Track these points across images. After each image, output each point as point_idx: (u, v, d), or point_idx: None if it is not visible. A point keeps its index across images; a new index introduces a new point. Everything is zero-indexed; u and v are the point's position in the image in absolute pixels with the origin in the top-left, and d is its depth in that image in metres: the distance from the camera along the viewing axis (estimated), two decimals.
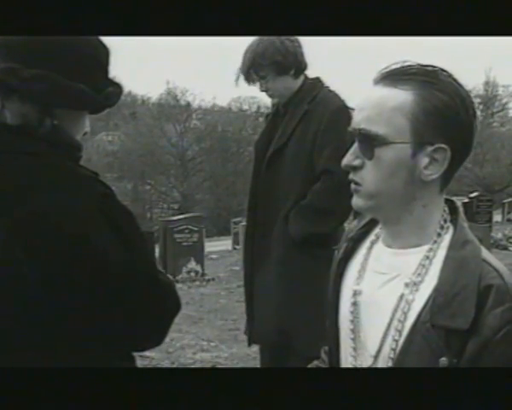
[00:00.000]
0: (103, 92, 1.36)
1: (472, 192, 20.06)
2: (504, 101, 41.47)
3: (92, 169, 1.37)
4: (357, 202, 1.35)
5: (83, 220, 1.26)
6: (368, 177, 1.30)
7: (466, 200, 18.26)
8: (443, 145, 1.28)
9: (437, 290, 1.26)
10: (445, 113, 1.27)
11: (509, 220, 22.24)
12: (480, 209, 17.99)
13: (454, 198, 1.41)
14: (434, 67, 1.32)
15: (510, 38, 1.52)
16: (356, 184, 1.33)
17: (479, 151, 36.09)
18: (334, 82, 3.19)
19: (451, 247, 1.30)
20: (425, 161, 1.28)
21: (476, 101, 41.22)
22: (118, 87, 1.41)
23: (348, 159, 1.32)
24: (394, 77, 1.30)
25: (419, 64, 1.32)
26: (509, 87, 40.25)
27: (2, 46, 1.32)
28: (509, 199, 25.31)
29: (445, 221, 1.33)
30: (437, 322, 1.24)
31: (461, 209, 1.37)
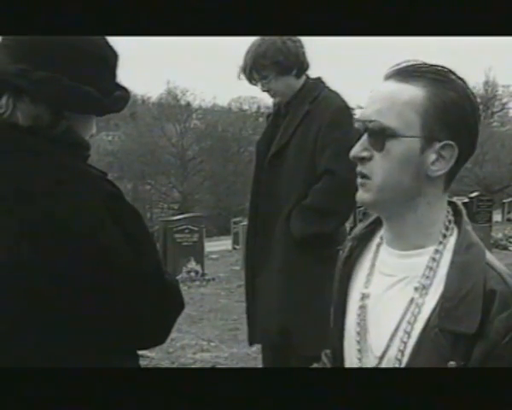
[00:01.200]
0: (111, 96, 1.37)
1: (472, 192, 20.05)
2: (504, 101, 41.52)
3: (99, 169, 1.38)
4: (362, 196, 1.34)
5: (91, 219, 1.26)
6: (376, 169, 1.31)
7: (466, 200, 18.25)
8: (451, 142, 1.29)
9: (443, 296, 1.27)
10: (455, 111, 1.29)
11: (508, 220, 22.24)
12: (480, 209, 17.97)
13: (455, 199, 1.41)
14: (444, 67, 1.33)
15: (510, 38, 1.52)
16: (363, 177, 1.33)
17: (479, 151, 36.03)
18: (335, 82, 3.19)
19: (456, 251, 1.30)
20: (432, 157, 1.30)
21: None
22: (125, 92, 1.42)
23: (356, 150, 1.33)
24: (406, 73, 1.32)
25: (429, 63, 1.34)
26: (508, 87, 40.32)
27: (12, 47, 1.32)
28: (509, 199, 25.32)
29: (450, 222, 1.34)
30: (444, 327, 1.25)
31: (464, 212, 1.37)
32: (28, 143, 1.31)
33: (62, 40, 1.32)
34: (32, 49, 1.31)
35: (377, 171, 1.31)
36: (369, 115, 1.31)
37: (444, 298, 1.26)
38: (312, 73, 3.15)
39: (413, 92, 1.29)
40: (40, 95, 1.30)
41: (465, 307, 1.24)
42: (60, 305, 1.26)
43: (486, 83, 40.33)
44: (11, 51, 1.32)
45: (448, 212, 1.35)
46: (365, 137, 1.32)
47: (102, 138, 39.84)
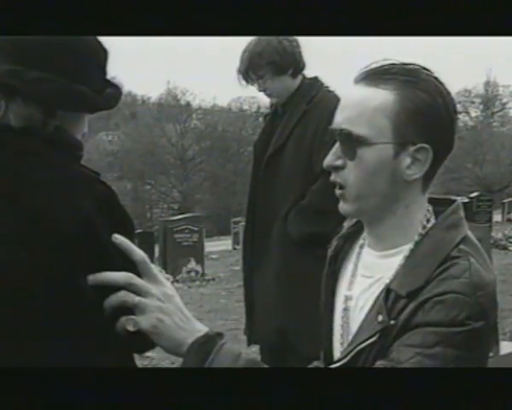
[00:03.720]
0: (103, 93, 1.36)
1: (472, 192, 20.05)
2: (504, 101, 41.49)
3: (92, 169, 1.37)
4: (343, 207, 1.34)
5: (82, 221, 1.26)
6: (350, 178, 1.30)
7: (466, 200, 18.26)
8: (425, 145, 1.27)
9: (404, 263, 1.28)
10: (427, 112, 1.26)
11: (508, 220, 22.22)
12: (479, 209, 17.97)
13: (453, 197, 1.40)
14: (415, 65, 1.31)
15: (510, 38, 1.52)
16: (340, 187, 1.32)
17: (479, 151, 36.13)
18: (332, 82, 3.19)
19: (435, 226, 1.30)
20: (407, 161, 1.28)
21: (476, 101, 41.55)
22: (117, 88, 1.41)
23: (330, 159, 1.31)
24: (375, 76, 1.29)
25: (400, 63, 1.31)
26: (509, 87, 40.30)
27: (3, 48, 1.32)
28: (509, 199, 25.30)
29: (428, 221, 1.32)
30: (391, 287, 1.26)
31: (459, 204, 1.35)
32: (21, 144, 1.31)
33: (53, 39, 1.32)
34: (24, 49, 1.31)
35: (351, 179, 1.29)
36: (340, 123, 1.29)
37: (403, 264, 1.27)
38: (310, 72, 3.15)
39: (383, 97, 1.26)
40: (33, 95, 1.29)
41: (416, 273, 1.24)
42: (52, 305, 1.25)
43: (487, 83, 40.30)
44: (2, 52, 1.31)
45: (428, 211, 1.33)
46: (337, 145, 1.30)
47: (102, 138, 39.85)
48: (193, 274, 11.47)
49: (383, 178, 1.28)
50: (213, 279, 11.40)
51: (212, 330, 1.28)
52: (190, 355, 1.22)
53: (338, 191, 1.33)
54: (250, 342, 3.25)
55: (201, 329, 1.25)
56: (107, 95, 1.37)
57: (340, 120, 1.30)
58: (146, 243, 11.62)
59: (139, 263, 1.26)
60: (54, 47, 1.32)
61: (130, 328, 1.23)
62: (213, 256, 15.47)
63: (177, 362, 5.71)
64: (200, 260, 11.81)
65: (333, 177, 1.32)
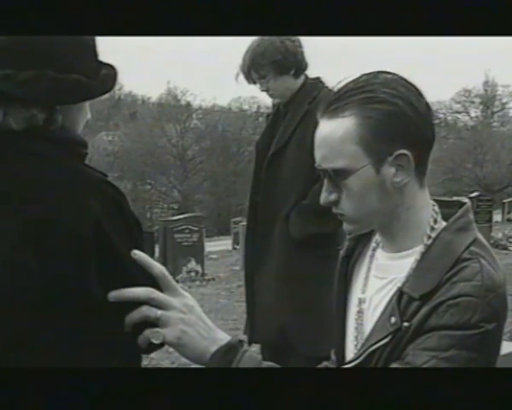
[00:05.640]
0: (98, 77, 1.34)
1: (472, 192, 20.03)
2: (504, 101, 41.49)
3: (99, 170, 1.36)
4: (347, 227, 1.39)
5: (90, 222, 1.25)
6: (346, 207, 1.33)
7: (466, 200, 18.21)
8: (402, 151, 1.27)
9: (416, 265, 1.29)
10: (391, 121, 1.26)
11: (508, 220, 22.23)
12: (480, 209, 17.92)
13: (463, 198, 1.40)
14: (368, 74, 1.31)
15: (510, 38, 1.52)
16: (340, 215, 1.36)
17: (479, 151, 36.12)
18: (334, 82, 3.18)
19: (445, 228, 1.31)
20: (391, 171, 1.29)
21: (476, 101, 41.54)
22: (111, 69, 1.38)
23: (324, 196, 1.37)
24: (333, 107, 1.31)
25: (352, 80, 1.32)
26: (508, 87, 40.29)
27: None
28: (509, 199, 25.31)
29: (435, 221, 1.33)
30: (404, 289, 1.27)
31: (469, 207, 1.35)
32: (24, 146, 1.29)
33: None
34: (11, 51, 1.28)
35: (348, 208, 1.33)
36: (319, 163, 1.35)
37: (415, 263, 1.29)
38: (312, 72, 3.15)
39: (344, 125, 1.28)
40: (30, 95, 1.27)
41: (428, 276, 1.25)
42: (61, 307, 1.25)
43: (486, 83, 40.30)
44: None
45: (434, 210, 1.34)
46: (325, 181, 1.35)
47: (102, 138, 39.83)
48: (193, 274, 11.46)
49: (375, 195, 1.30)
50: (213, 279, 11.39)
51: (234, 338, 1.31)
52: (213, 364, 1.24)
53: (340, 217, 1.37)
54: (251, 342, 3.25)
55: (223, 337, 1.29)
56: (102, 77, 1.35)
57: (319, 159, 1.35)
58: (146, 243, 11.58)
59: (158, 277, 1.28)
60: (39, 43, 1.30)
61: (156, 341, 1.24)
62: (213, 256, 15.47)
63: (177, 362, 5.70)
64: (200, 260, 11.80)
65: (333, 210, 1.37)
